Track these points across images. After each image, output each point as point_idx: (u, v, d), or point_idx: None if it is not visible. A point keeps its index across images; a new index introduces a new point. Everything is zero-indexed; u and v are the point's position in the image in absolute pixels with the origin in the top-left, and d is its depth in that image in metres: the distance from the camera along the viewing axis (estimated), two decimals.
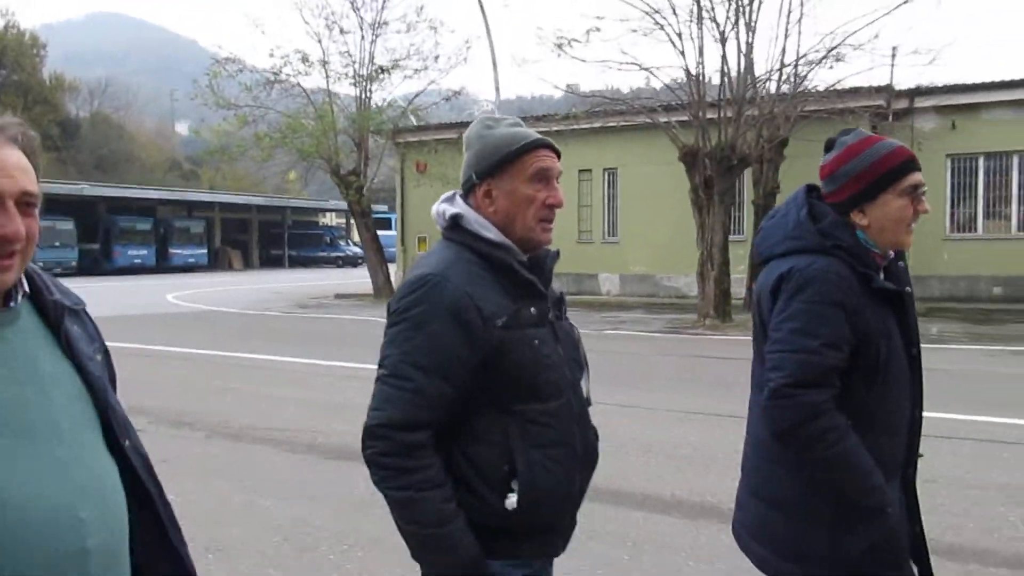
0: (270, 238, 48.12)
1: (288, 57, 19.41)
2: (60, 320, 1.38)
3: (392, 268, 24.18)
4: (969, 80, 18.79)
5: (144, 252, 38.35)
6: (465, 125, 20.80)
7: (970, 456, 5.68)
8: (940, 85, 18.68)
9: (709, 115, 15.06)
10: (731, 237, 19.33)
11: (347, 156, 21.24)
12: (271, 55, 19.72)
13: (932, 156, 18.34)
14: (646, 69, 15.34)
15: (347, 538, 4.29)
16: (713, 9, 14.79)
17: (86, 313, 1.48)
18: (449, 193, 1.92)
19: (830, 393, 1.89)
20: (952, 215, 18.56)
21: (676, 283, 20.34)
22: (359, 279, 22.24)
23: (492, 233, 1.82)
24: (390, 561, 4.01)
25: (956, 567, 3.78)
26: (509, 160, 1.82)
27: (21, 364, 1.30)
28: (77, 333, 1.42)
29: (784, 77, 16.16)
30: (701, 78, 15.05)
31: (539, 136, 1.86)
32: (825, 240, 1.96)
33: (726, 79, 15.07)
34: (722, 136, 14.74)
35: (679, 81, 15.54)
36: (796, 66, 16.19)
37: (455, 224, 1.85)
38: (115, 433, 1.40)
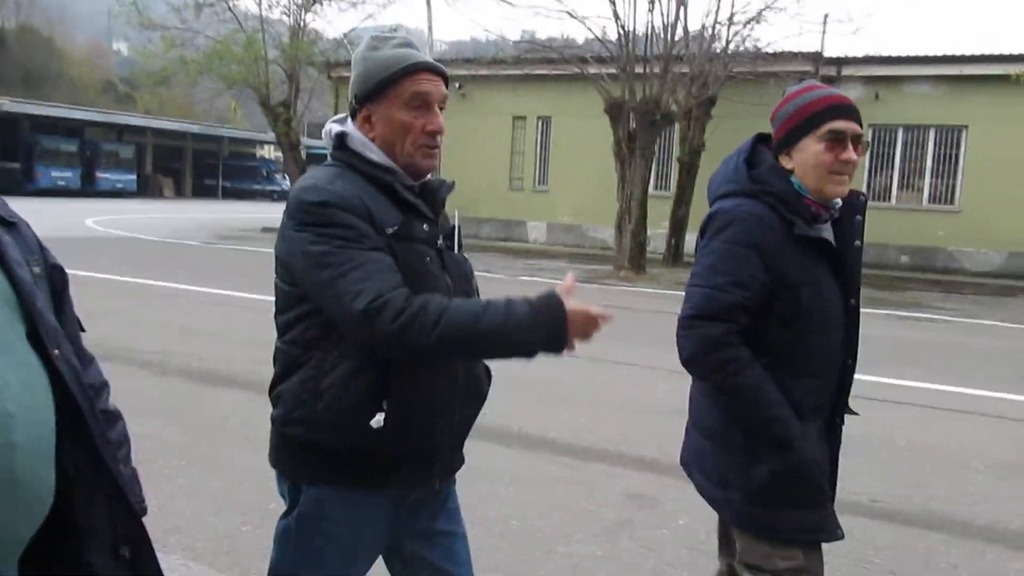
0: (204, 168, 46.92)
1: None
2: None
3: None
4: (895, 53, 19.19)
5: (68, 174, 36.92)
6: None
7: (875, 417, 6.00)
8: (867, 56, 19.03)
9: (637, 69, 15.12)
10: (657, 193, 19.67)
11: (278, 87, 20.75)
12: None
13: None
14: (577, 18, 15.28)
15: (186, 455, 4.39)
16: None
17: (27, 226, 1.47)
18: (341, 115, 1.87)
19: (730, 328, 1.95)
20: (868, 183, 19.04)
21: (602, 234, 20.55)
22: None
23: (376, 155, 1.78)
24: (219, 476, 4.14)
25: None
26: (387, 84, 1.75)
27: None
28: (8, 242, 1.40)
29: (714, 35, 16.31)
30: (631, 32, 15.05)
31: (421, 58, 1.78)
32: (754, 185, 2.02)
33: (654, 35, 15.12)
34: (647, 91, 14.83)
35: (607, 33, 15.52)
36: (730, 25, 16.34)
37: (341, 143, 1.80)
38: (44, 342, 1.37)
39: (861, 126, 2.02)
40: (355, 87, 1.79)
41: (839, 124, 1.98)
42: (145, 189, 41.58)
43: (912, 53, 18.83)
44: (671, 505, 3.97)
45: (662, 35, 15.24)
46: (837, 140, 1.97)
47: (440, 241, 1.81)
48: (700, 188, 18.56)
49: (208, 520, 3.64)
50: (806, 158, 2.00)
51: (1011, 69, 15.08)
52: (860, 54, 19.03)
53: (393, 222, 1.71)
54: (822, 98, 2.01)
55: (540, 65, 17.90)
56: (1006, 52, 17.12)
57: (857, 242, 2.10)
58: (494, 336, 1.61)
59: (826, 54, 18.89)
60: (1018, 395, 6.56)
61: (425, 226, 1.76)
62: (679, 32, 15.50)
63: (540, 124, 21.55)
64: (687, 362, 2.02)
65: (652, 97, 14.85)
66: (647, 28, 15.04)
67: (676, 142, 18.52)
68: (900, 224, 18.60)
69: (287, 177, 44.07)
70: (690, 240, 19.10)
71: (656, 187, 20.21)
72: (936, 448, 5.14)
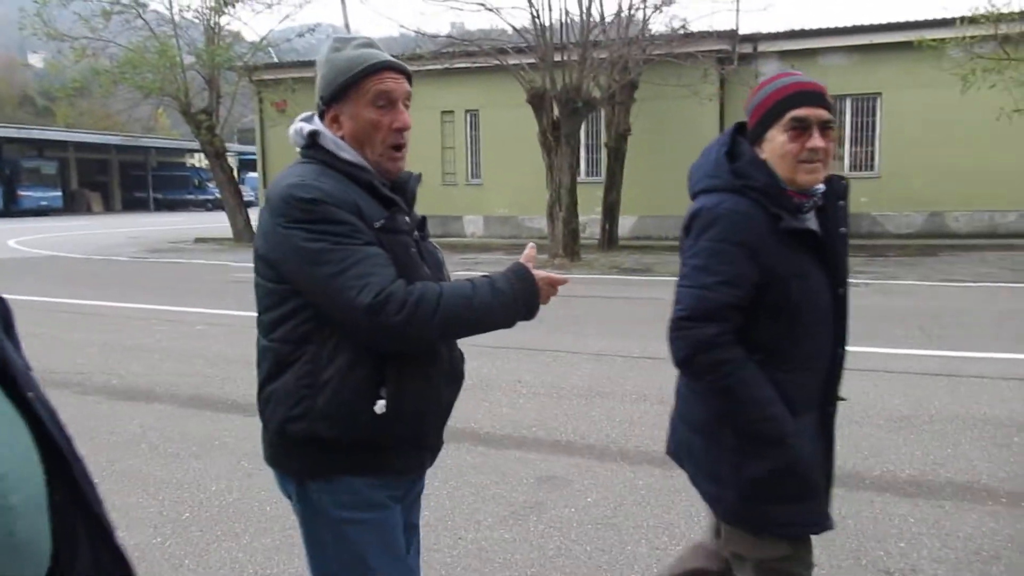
0: (133, 180, 45.77)
1: None
2: None
3: (253, 212, 23.60)
4: (807, 26, 19.66)
5: None
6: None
7: None
8: (781, 31, 19.47)
9: (556, 58, 15.23)
10: (589, 179, 19.87)
11: (198, 94, 20.36)
12: None
13: None
14: (491, 10, 15.33)
15: (99, 471, 4.36)
16: None
17: None
18: (307, 113, 1.89)
19: (725, 327, 1.93)
20: None
21: (538, 224, 20.63)
22: (225, 223, 21.60)
23: (349, 154, 1.81)
24: (132, 491, 4.13)
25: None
26: (352, 84, 1.78)
27: None
28: None
29: (630, 19, 16.49)
30: (547, 21, 15.15)
31: (383, 58, 1.80)
32: (737, 180, 1.98)
33: (570, 22, 15.24)
34: (566, 79, 14.96)
35: (524, 24, 15.58)
36: (644, 8, 16.55)
37: (313, 142, 1.82)
38: (17, 385, 1.29)
39: (830, 111, 1.97)
40: (321, 89, 1.83)
41: (801, 112, 1.94)
42: (72, 205, 40.42)
43: (822, 26, 19.26)
44: (581, 484, 4.09)
45: (578, 22, 15.34)
46: (801, 128, 1.94)
47: (416, 233, 1.88)
48: (630, 172, 18.92)
49: (119, 535, 3.63)
50: (774, 148, 1.98)
51: (917, 36, 15.55)
52: (774, 30, 19.50)
53: (379, 216, 1.76)
54: (784, 86, 1.98)
55: (462, 58, 17.89)
56: (912, 19, 17.69)
57: (842, 228, 2.07)
58: (485, 314, 1.75)
59: (741, 32, 19.30)
60: (919, 350, 6.86)
61: (407, 218, 1.83)
62: (595, 18, 15.66)
63: (468, 117, 21.57)
64: (680, 364, 2.00)
65: (572, 85, 14.97)
66: (561, 16, 15.10)
67: (603, 128, 18.73)
68: None
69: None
70: (624, 223, 19.38)
71: (588, 173, 20.43)
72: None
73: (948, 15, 14.95)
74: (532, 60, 15.69)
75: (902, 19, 18.04)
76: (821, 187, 2.01)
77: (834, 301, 2.05)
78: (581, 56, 15.09)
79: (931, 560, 3.24)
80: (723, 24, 19.07)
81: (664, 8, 16.21)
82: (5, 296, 1.37)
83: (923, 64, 16.92)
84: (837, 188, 2.06)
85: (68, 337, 8.24)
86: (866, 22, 18.75)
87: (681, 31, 17.65)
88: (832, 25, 19.20)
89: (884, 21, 18.41)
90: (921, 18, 17.34)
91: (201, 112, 19.75)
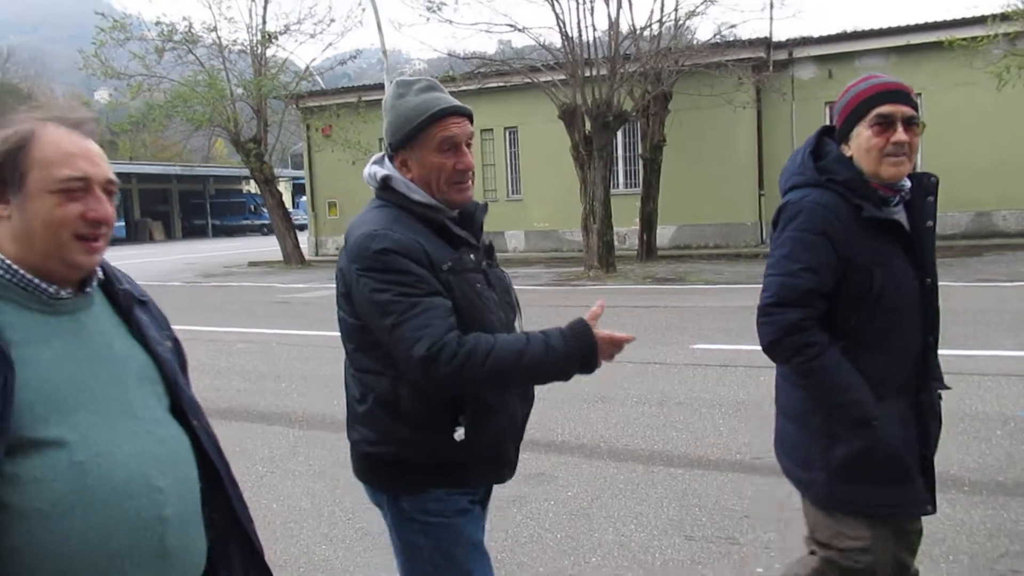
0: (192, 208, 47.40)
1: (174, 25, 19.18)
2: (130, 307, 1.49)
3: (304, 235, 24.34)
4: (843, 30, 19.57)
5: None
6: (365, 88, 20.64)
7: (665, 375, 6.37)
8: (816, 36, 19.42)
9: (585, 73, 15.51)
10: (627, 190, 20.05)
11: (247, 124, 21.19)
12: (157, 23, 19.41)
13: (811, 104, 19.15)
14: (520, 30, 15.70)
15: None
16: None
17: (153, 304, 1.58)
18: (378, 155, 2.02)
19: (809, 313, 2.05)
20: None
21: (577, 237, 20.85)
22: (277, 247, 22.44)
23: (420, 195, 1.93)
24: None
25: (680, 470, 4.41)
26: (418, 132, 1.90)
27: (97, 346, 1.40)
28: (146, 320, 1.52)
29: (661, 31, 16.70)
30: (575, 37, 15.45)
31: (446, 104, 1.92)
32: (820, 175, 2.12)
33: (598, 38, 15.53)
34: (596, 94, 15.22)
35: (549, 41, 15.92)
36: (675, 20, 16.74)
37: (386, 185, 1.96)
38: (185, 413, 1.47)
39: (915, 108, 2.09)
40: (388, 135, 1.96)
41: (885, 108, 2.05)
42: (135, 235, 42.04)
43: (859, 28, 19.16)
44: (565, 480, 4.33)
45: (605, 37, 15.61)
46: (886, 124, 2.05)
47: (484, 262, 2.01)
48: (666, 183, 19.03)
49: None
50: (860, 144, 2.10)
51: (955, 35, 15.37)
52: (808, 35, 19.45)
53: (447, 259, 1.88)
54: (870, 86, 2.10)
55: (495, 78, 18.30)
56: (947, 19, 17.48)
57: (929, 222, 2.17)
58: (536, 368, 1.82)
59: (776, 38, 19.31)
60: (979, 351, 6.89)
61: (472, 256, 1.95)
62: (623, 31, 15.91)
63: (507, 134, 21.96)
64: (768, 348, 2.12)
65: (602, 99, 15.23)
66: (586, 32, 15.39)
67: (639, 140, 18.91)
68: None
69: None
70: (663, 233, 19.50)
71: (626, 185, 20.62)
72: (703, 399, 5.65)
73: (979, 12, 14.75)
74: (562, 77, 16.00)
75: (938, 18, 17.75)
76: (907, 183, 2.13)
77: (921, 291, 2.13)
78: (610, 71, 15.35)
79: None
80: (758, 32, 18.85)
81: (699, 15, 16.31)
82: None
83: (961, 63, 16.72)
84: (926, 184, 2.17)
85: None
86: (902, 23, 18.60)
87: (717, 38, 17.77)
88: (867, 27, 19.10)
89: (920, 21, 18.22)
90: (957, 16, 17.13)
91: (250, 141, 20.53)
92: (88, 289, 1.41)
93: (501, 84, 19.33)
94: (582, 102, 15.35)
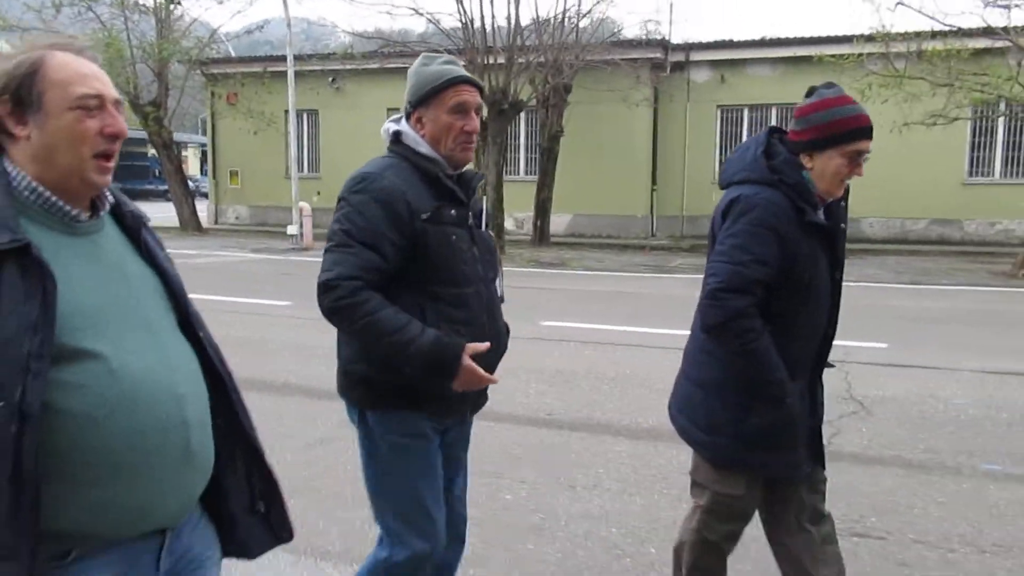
0: None
1: None
2: (139, 228, 1.56)
3: (203, 204, 24.02)
4: (737, 37, 20.56)
5: None
6: (271, 59, 20.39)
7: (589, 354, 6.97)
8: (711, 41, 20.35)
9: (487, 61, 15.94)
10: (525, 177, 20.56)
11: (148, 87, 20.80)
12: None
13: (704, 106, 20.10)
14: (420, 14, 16.03)
15: None
16: None
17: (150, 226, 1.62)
18: (396, 115, 2.29)
19: (752, 300, 2.22)
20: (720, 161, 20.31)
21: None
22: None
23: (424, 148, 2.21)
24: None
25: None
26: (434, 93, 2.19)
27: (113, 266, 1.47)
28: (152, 241, 1.58)
29: (562, 24, 17.25)
30: (474, 25, 15.86)
31: (461, 73, 2.21)
32: (772, 175, 2.27)
33: (498, 27, 15.98)
34: (492, 82, 15.68)
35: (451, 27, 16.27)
36: (578, 12, 17.30)
37: (397, 139, 2.24)
38: (192, 325, 1.57)
39: None
40: (409, 95, 2.24)
41: (865, 145, 2.27)
42: None
43: (751, 37, 20.17)
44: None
45: (505, 27, 16.08)
46: (859, 158, 2.27)
47: (471, 220, 2.27)
48: (564, 173, 19.63)
49: None
50: (827, 166, 2.27)
51: (826, 51, 16.23)
52: (705, 40, 20.36)
53: (427, 209, 2.14)
54: (855, 117, 2.26)
55: (396, 59, 18.55)
56: (830, 34, 18.59)
57: (843, 224, 2.41)
58: (392, 352, 2.07)
59: (674, 40, 20.13)
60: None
61: (454, 211, 2.20)
62: (524, 22, 16.40)
63: None
64: (711, 328, 2.30)
65: (499, 87, 15.70)
66: (484, 21, 15.81)
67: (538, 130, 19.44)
68: None
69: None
70: (559, 220, 20.12)
71: (527, 172, 21.13)
72: (630, 376, 6.23)
73: (854, 32, 15.80)
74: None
75: (822, 34, 18.87)
76: None
77: (832, 284, 2.40)
78: (507, 60, 15.82)
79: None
80: (657, 32, 19.60)
81: (598, 15, 16.92)
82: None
83: (842, 76, 17.84)
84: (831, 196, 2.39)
85: None
86: (790, 35, 19.64)
87: (611, 38, 18.44)
88: (758, 37, 20.13)
89: (805, 35, 19.29)
90: (837, 33, 18.23)
91: (149, 104, 20.20)
92: (101, 213, 1.49)
93: (403, 65, 19.48)
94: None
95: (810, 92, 2.36)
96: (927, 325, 8.65)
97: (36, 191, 1.39)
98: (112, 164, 1.43)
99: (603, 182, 20.14)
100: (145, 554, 1.46)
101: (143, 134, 46.89)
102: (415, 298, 2.13)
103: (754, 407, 2.28)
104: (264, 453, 1.64)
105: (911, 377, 6.26)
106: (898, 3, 13.97)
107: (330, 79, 21.45)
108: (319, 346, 6.23)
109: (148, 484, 1.41)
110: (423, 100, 2.20)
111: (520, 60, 16.08)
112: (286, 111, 20.54)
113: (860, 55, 14.57)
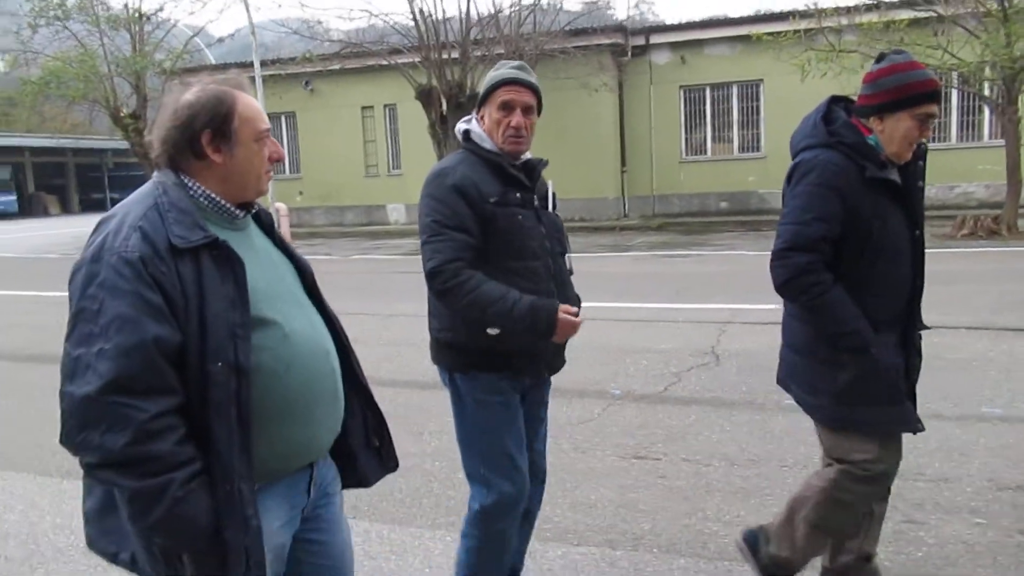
0: (90, 182, 46.47)
1: (49, 0, 19.36)
2: (272, 225, 1.93)
3: None
4: (695, 19, 21.00)
5: None
6: (242, 66, 21.00)
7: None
8: (670, 24, 20.83)
9: (443, 56, 16.52)
10: None
11: (127, 99, 21.47)
12: None
13: (667, 88, 20.56)
14: (375, 15, 16.63)
15: None
16: None
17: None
18: (468, 116, 2.59)
19: (817, 257, 2.31)
20: (686, 140, 20.82)
21: None
22: None
23: (488, 144, 2.49)
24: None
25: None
26: (488, 93, 2.49)
27: (264, 254, 1.82)
28: (280, 234, 1.94)
29: (520, 15, 17.78)
30: (429, 21, 16.42)
31: (511, 75, 2.46)
32: (831, 137, 2.38)
33: (446, 22, 16.55)
34: (448, 76, 16.26)
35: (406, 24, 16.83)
36: (535, 5, 17.80)
37: (467, 137, 2.53)
38: (322, 301, 1.91)
39: None
40: (480, 95, 2.56)
41: (932, 108, 2.36)
42: (28, 209, 41.22)
43: (708, 17, 20.62)
44: None
45: (458, 22, 16.64)
46: (927, 120, 2.36)
47: (537, 202, 2.53)
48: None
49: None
50: (896, 128, 2.36)
51: (793, 26, 16.39)
52: (664, 23, 20.85)
53: (494, 194, 2.42)
54: (923, 82, 2.35)
55: (354, 59, 19.08)
56: (780, 11, 19.00)
57: (920, 182, 2.48)
58: (498, 319, 2.35)
59: (633, 25, 20.62)
60: (688, 304, 8.29)
61: (519, 194, 2.46)
62: (478, 15, 16.96)
63: (387, 111, 22.72)
64: (780, 287, 2.40)
65: (455, 81, 16.28)
66: (431, 18, 16.33)
67: None
68: (716, 174, 20.41)
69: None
70: None
71: None
72: (622, 346, 6.71)
73: (792, 9, 16.24)
74: (418, 59, 16.96)
75: (774, 11, 19.30)
76: None
77: (912, 241, 2.46)
78: (462, 55, 16.40)
79: None
80: (616, 17, 20.09)
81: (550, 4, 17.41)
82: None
83: (797, 50, 18.26)
84: (918, 150, 2.45)
85: None
86: (745, 14, 20.08)
87: (569, 26, 18.94)
88: (715, 16, 20.59)
89: (762, 12, 19.71)
90: (782, 10, 18.62)
91: (128, 116, 20.88)
92: (250, 212, 1.84)
93: (375, 64, 20.10)
94: (437, 83, 16.36)
95: (880, 58, 2.44)
96: None
97: (210, 198, 1.73)
98: (271, 175, 1.82)
99: (572, 167, 20.59)
100: (300, 483, 1.81)
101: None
102: (489, 273, 2.38)
103: (841, 361, 2.35)
104: (373, 396, 1.97)
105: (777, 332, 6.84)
106: None
107: (304, 82, 22.06)
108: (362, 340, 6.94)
109: (313, 421, 1.76)
110: (483, 100, 2.53)
111: (476, 53, 16.64)
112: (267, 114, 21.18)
113: (798, 31, 15.04)
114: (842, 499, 2.44)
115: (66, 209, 44.14)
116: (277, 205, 19.09)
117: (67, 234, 26.56)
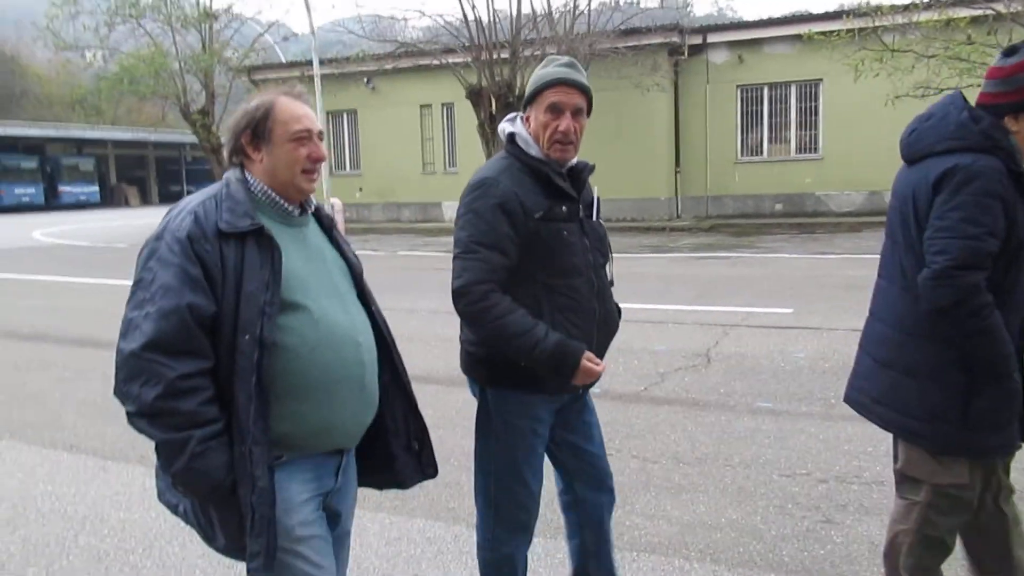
0: (169, 174, 48.41)
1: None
2: (331, 226, 2.09)
3: None
4: (753, 17, 20.71)
5: (32, 190, 38.87)
6: (307, 64, 21.60)
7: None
8: (728, 22, 20.58)
9: (494, 56, 16.73)
10: None
11: (197, 95, 22.37)
12: None
13: (724, 87, 20.34)
14: (427, 15, 16.95)
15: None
16: None
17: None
18: (512, 115, 2.42)
19: (985, 275, 2.09)
20: (742, 140, 20.57)
21: None
22: None
23: (534, 150, 2.31)
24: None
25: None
26: (536, 93, 2.31)
27: (315, 250, 1.98)
28: (339, 236, 2.08)
29: (575, 14, 17.86)
30: (479, 21, 16.65)
31: (561, 75, 2.28)
32: (986, 140, 2.14)
33: (496, 22, 16.74)
34: (498, 76, 16.46)
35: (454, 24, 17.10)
36: (588, 7, 17.87)
37: (512, 140, 2.35)
38: (368, 299, 2.05)
39: None
40: (526, 94, 2.40)
41: None
42: (110, 199, 43.18)
43: (767, 16, 20.31)
44: None
45: (509, 23, 16.82)
46: None
47: (582, 212, 2.37)
48: (586, 158, 19.93)
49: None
50: None
51: (847, 24, 16.09)
52: (722, 22, 20.60)
53: (540, 208, 2.26)
54: None
55: (406, 58, 19.42)
56: (841, 9, 18.59)
57: None
58: (519, 352, 2.23)
59: (690, 24, 20.44)
60: (702, 307, 8.32)
61: (564, 207, 2.31)
62: (529, 15, 17.10)
63: (444, 110, 23.07)
64: (948, 309, 2.11)
65: (505, 80, 16.47)
66: (479, 17, 16.54)
67: None
68: (772, 175, 20.14)
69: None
70: None
71: None
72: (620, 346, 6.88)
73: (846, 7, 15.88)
74: (468, 60, 17.22)
75: (831, 10, 18.89)
76: None
77: None
78: (511, 55, 16.57)
79: None
80: (665, 18, 19.97)
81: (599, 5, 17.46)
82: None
83: (859, 50, 17.86)
84: None
85: (16, 303, 10.21)
86: (804, 11, 19.70)
87: (624, 25, 18.92)
88: (774, 15, 20.27)
89: (821, 11, 19.32)
90: (842, 8, 18.22)
91: (198, 112, 21.75)
92: (308, 211, 2.00)
93: (429, 63, 20.45)
94: (487, 83, 16.58)
95: (1010, 51, 2.23)
96: (850, 291, 8.93)
97: (266, 192, 1.92)
98: (316, 176, 1.95)
99: (623, 167, 20.56)
100: (328, 465, 1.96)
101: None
102: (531, 289, 2.27)
103: (980, 387, 2.17)
104: (417, 403, 2.07)
105: (781, 336, 6.86)
106: None
107: (365, 80, 22.57)
108: None
109: (332, 405, 1.88)
110: (529, 100, 2.36)
111: (526, 53, 16.79)
112: (329, 112, 21.81)
113: (851, 31, 14.73)
114: (933, 535, 2.31)
115: (145, 200, 46.07)
116: (332, 200, 19.59)
117: (142, 224, 27.75)
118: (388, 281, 11.24)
